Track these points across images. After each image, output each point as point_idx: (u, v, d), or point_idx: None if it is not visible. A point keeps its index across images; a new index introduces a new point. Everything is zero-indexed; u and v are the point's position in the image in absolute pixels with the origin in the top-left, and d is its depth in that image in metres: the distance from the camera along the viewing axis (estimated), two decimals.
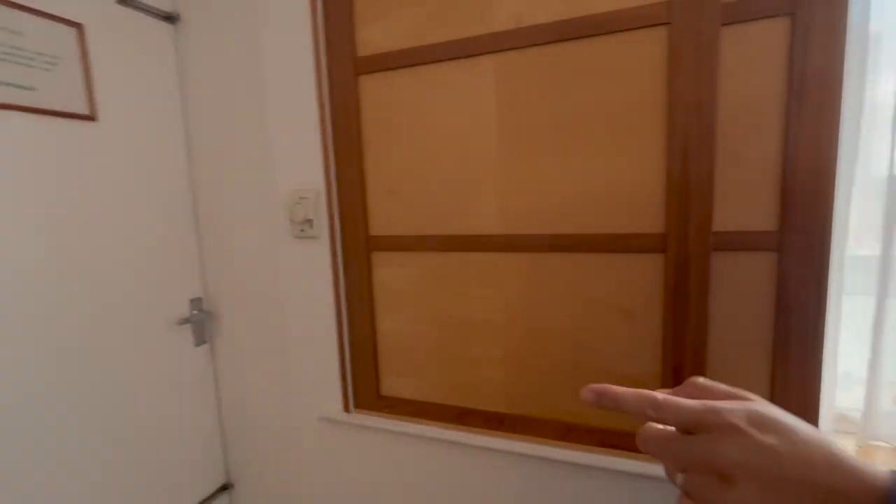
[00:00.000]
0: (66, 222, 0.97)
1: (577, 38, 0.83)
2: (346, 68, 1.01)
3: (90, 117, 1.00)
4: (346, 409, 1.13)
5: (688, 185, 0.78)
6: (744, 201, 0.76)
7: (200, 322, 1.27)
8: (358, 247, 1.07)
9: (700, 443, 0.27)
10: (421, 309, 1.03)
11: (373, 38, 0.99)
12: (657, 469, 0.84)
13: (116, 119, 1.06)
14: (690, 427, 0.28)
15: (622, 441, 0.89)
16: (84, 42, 0.98)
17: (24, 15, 0.88)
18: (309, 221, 1.07)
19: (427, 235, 1.00)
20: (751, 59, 0.73)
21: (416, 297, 1.03)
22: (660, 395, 0.30)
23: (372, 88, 1.00)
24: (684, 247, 0.80)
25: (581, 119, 0.85)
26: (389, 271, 1.05)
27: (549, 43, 0.85)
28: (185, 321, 1.23)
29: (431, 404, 1.06)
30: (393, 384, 1.10)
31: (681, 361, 0.82)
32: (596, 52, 0.82)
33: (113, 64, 1.04)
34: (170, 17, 1.18)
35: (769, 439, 0.26)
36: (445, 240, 0.98)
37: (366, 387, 1.12)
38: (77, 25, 0.97)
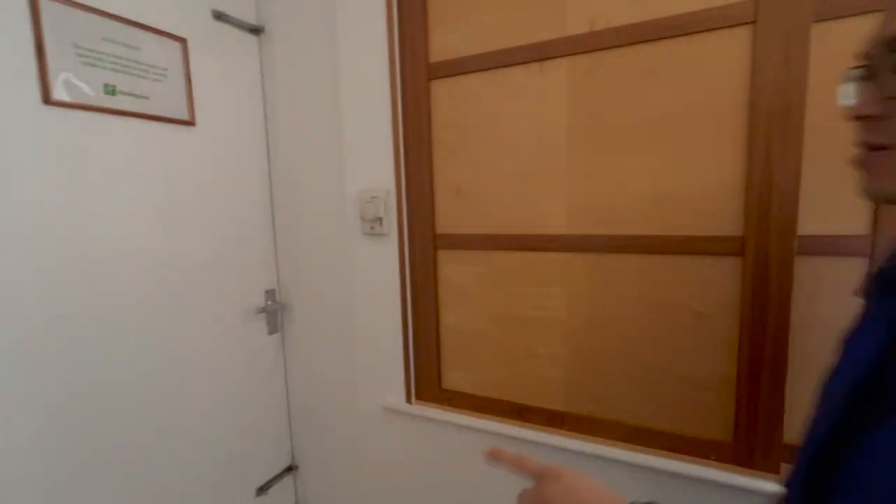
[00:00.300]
0: (167, 217, 1.08)
1: (652, 40, 0.83)
2: (418, 74, 1.06)
3: (190, 122, 1.11)
4: (409, 400, 1.18)
5: (770, 188, 0.76)
6: (832, 204, 0.74)
7: (274, 312, 1.37)
8: (425, 244, 1.11)
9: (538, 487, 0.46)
10: (484, 306, 1.06)
11: (445, 44, 1.03)
12: (728, 476, 0.82)
13: (209, 124, 1.16)
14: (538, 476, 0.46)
15: (690, 446, 0.88)
16: (187, 55, 1.09)
17: (141, 32, 1.00)
18: (379, 219, 1.13)
19: (493, 234, 1.02)
20: (844, 56, 0.71)
21: (480, 294, 1.06)
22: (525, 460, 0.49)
23: (443, 92, 1.05)
24: (764, 250, 0.78)
25: (655, 120, 0.85)
26: (454, 268, 1.09)
27: (623, 46, 0.85)
28: (261, 311, 1.32)
29: (492, 399, 1.08)
30: (454, 378, 1.14)
31: (758, 366, 0.80)
32: (673, 53, 0.82)
33: (208, 74, 1.15)
34: (255, 30, 1.28)
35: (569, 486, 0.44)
36: (511, 239, 1.00)
37: (428, 379, 1.16)
38: (182, 40, 1.08)
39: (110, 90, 0.95)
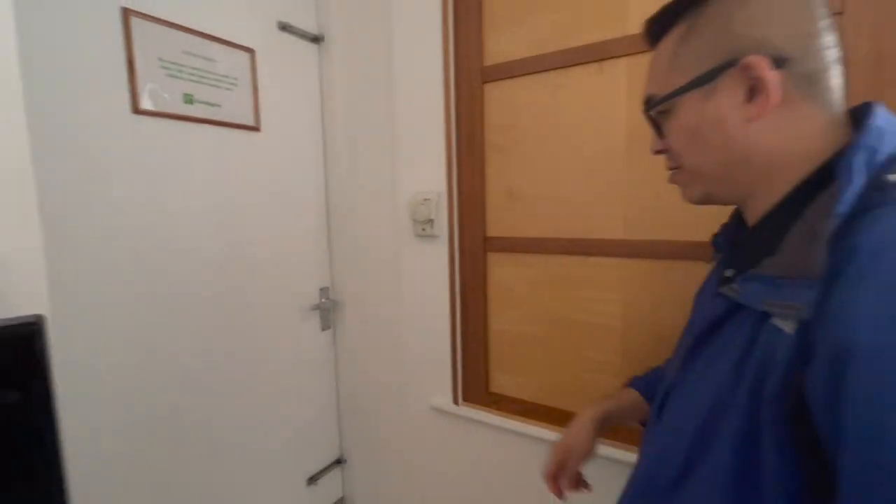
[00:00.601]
0: (234, 216, 1.15)
1: None
2: (472, 78, 1.07)
3: (255, 128, 1.18)
4: (456, 401, 1.18)
5: None
6: None
7: (327, 309, 1.42)
8: (476, 247, 1.12)
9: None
10: (535, 310, 1.05)
11: (500, 47, 1.03)
12: None
13: (272, 128, 1.23)
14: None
15: None
16: (254, 64, 1.16)
17: (216, 45, 1.07)
18: (430, 221, 1.14)
19: (546, 238, 1.01)
20: None
21: (531, 298, 1.05)
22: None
23: (497, 95, 1.05)
24: None
25: None
26: (505, 271, 1.09)
27: None
28: (315, 307, 1.38)
29: (541, 405, 1.07)
30: (502, 381, 1.13)
31: None
32: None
33: (272, 81, 1.22)
34: (316, 39, 1.34)
35: None
36: (565, 243, 0.99)
37: (476, 381, 1.16)
38: (250, 51, 1.15)
39: (188, 99, 1.03)
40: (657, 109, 0.49)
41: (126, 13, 0.91)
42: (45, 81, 0.81)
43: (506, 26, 1.02)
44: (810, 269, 0.35)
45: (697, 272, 0.85)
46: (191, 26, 1.02)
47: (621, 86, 0.89)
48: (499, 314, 1.11)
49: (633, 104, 0.89)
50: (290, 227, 1.30)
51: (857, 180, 0.35)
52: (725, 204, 0.50)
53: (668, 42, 0.48)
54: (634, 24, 0.87)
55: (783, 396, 0.35)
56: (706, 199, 0.50)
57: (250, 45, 1.15)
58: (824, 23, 0.41)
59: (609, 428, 0.69)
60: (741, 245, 0.50)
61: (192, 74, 1.03)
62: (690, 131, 0.46)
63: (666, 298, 0.89)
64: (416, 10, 1.11)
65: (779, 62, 0.40)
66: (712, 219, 0.83)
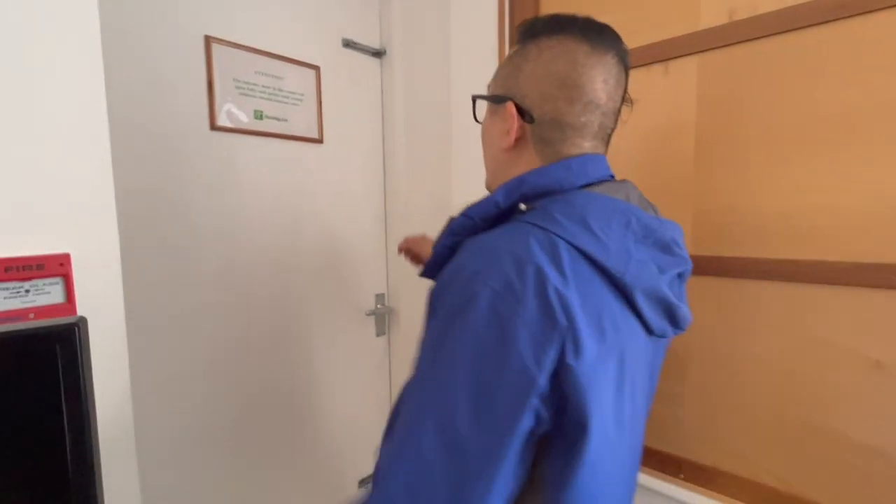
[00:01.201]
0: (298, 224, 1.21)
1: (816, 24, 0.69)
2: None
3: (319, 140, 1.24)
4: None
5: None
6: None
7: (382, 315, 1.45)
8: None
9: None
10: None
11: None
12: None
13: (335, 140, 1.28)
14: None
15: None
16: (319, 80, 1.23)
17: (285, 64, 1.15)
18: None
19: None
20: None
21: None
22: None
23: None
24: None
25: (817, 122, 0.70)
26: None
27: (773, 35, 0.72)
28: (371, 313, 1.41)
29: None
30: None
31: None
32: (844, 38, 0.67)
33: (335, 95, 1.28)
34: (378, 53, 1.38)
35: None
36: None
37: None
38: (316, 68, 1.22)
39: (258, 115, 1.11)
40: (478, 98, 0.61)
41: (208, 40, 1.01)
42: (132, 100, 0.91)
43: None
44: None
45: (784, 294, 0.74)
46: (263, 48, 1.10)
47: (690, 86, 0.81)
48: None
49: (704, 105, 0.80)
50: (350, 234, 1.35)
51: (496, 196, 0.49)
52: None
53: (511, 51, 0.56)
54: (708, 17, 0.79)
55: None
56: (489, 189, 0.59)
57: (316, 63, 1.22)
58: (577, 108, 0.49)
59: None
60: None
61: (262, 92, 1.11)
62: (483, 133, 0.60)
63: (739, 323, 0.79)
64: (473, 24, 1.11)
65: (528, 118, 0.51)
66: (797, 236, 0.72)
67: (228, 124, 1.06)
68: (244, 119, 1.08)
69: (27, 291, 0.54)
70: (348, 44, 1.29)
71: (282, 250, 1.18)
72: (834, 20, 0.67)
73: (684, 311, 0.50)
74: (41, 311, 0.55)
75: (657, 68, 0.85)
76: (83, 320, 0.53)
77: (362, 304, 1.40)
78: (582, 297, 0.40)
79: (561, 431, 0.40)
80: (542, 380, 0.38)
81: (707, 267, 0.81)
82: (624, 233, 0.45)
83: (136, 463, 0.65)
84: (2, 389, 0.49)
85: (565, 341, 0.38)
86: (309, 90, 1.21)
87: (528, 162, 0.52)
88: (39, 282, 0.55)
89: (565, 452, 0.41)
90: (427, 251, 0.91)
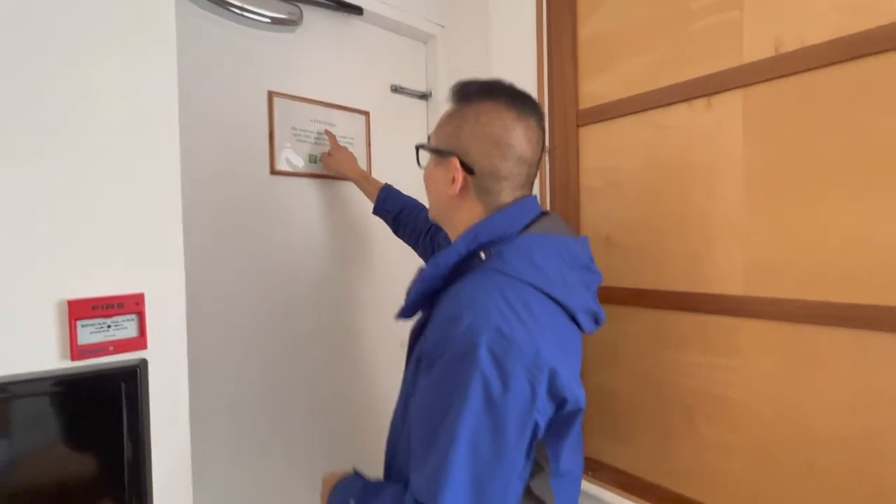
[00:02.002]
0: (347, 260, 1.28)
1: (870, 54, 0.65)
2: (567, 122, 1.05)
3: None
4: None
5: None
6: None
7: None
8: None
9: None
10: (636, 369, 0.94)
11: (596, 89, 1.00)
12: None
13: (383, 179, 1.34)
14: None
15: None
16: (369, 124, 1.31)
17: (338, 111, 1.25)
18: None
19: (648, 290, 0.91)
20: None
21: (632, 355, 0.95)
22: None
23: (593, 138, 1.01)
24: None
25: (872, 156, 0.65)
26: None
27: (823, 67, 0.69)
28: None
29: (643, 481, 0.94)
30: (599, 446, 1.02)
31: None
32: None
33: (383, 137, 1.35)
34: (424, 96, 1.46)
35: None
36: (671, 296, 0.88)
37: None
38: (365, 113, 1.31)
39: (313, 159, 1.20)
40: (421, 148, 0.72)
41: (270, 95, 1.12)
42: (202, 150, 1.02)
43: (603, 68, 0.98)
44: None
45: (850, 342, 0.68)
46: (318, 98, 1.21)
47: (735, 121, 0.78)
48: (595, 370, 1.02)
49: (751, 141, 0.77)
50: (396, 268, 1.40)
51: (458, 247, 0.60)
52: (445, 230, 0.74)
53: (449, 110, 0.68)
54: (752, 50, 0.76)
55: None
56: (436, 221, 0.73)
57: (366, 109, 1.31)
58: (509, 164, 0.62)
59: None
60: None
61: (317, 138, 1.21)
62: (426, 177, 0.70)
63: (800, 371, 0.72)
64: (513, 64, 1.15)
65: (469, 170, 0.62)
66: (870, 274, 0.66)
67: (286, 168, 1.15)
68: (299, 163, 1.18)
69: (109, 327, 0.61)
70: (396, 89, 1.38)
71: (332, 283, 1.25)
72: (892, 49, 0.63)
73: (603, 315, 0.66)
74: (118, 345, 0.62)
75: (699, 103, 0.83)
76: (144, 362, 0.60)
77: (404, 335, 1.43)
78: (550, 323, 0.56)
79: (559, 417, 0.54)
80: (542, 394, 0.51)
81: (764, 310, 0.76)
82: (560, 263, 0.60)
83: (190, 493, 0.71)
84: (74, 420, 0.56)
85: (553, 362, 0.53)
86: (359, 134, 1.30)
87: (470, 206, 0.64)
88: (119, 318, 0.62)
89: (561, 430, 0.55)
90: (346, 166, 1.15)
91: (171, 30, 0.70)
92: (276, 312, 1.14)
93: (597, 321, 0.66)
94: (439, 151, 0.66)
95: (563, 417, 0.54)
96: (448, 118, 0.66)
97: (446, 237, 0.95)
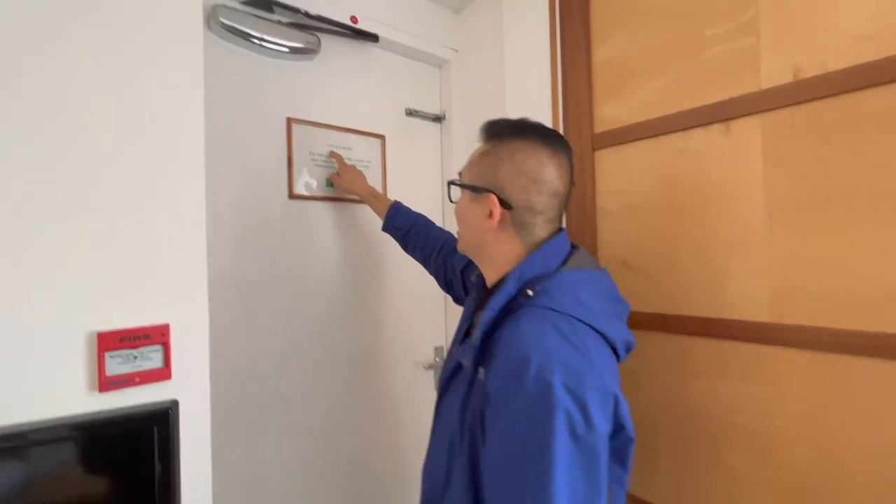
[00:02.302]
0: (364, 279, 1.29)
1: (886, 83, 0.64)
2: (583, 146, 1.05)
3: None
4: None
5: None
6: None
7: (440, 368, 1.46)
8: None
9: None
10: (658, 396, 0.93)
11: (611, 113, 1.00)
12: None
13: (398, 199, 1.36)
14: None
15: None
16: (384, 147, 1.33)
17: (355, 136, 1.27)
18: None
19: (669, 315, 0.90)
20: None
21: (653, 382, 0.93)
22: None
23: (608, 161, 1.01)
24: None
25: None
26: None
27: (846, 92, 0.68)
28: (430, 367, 1.43)
29: None
30: None
31: None
32: None
33: (398, 159, 1.37)
34: (438, 118, 1.48)
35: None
36: (693, 322, 0.86)
37: None
38: (381, 137, 1.33)
39: (329, 183, 1.22)
40: (452, 184, 0.76)
41: (289, 121, 1.15)
42: (223, 174, 1.05)
43: (616, 92, 0.99)
44: (475, 341, 0.62)
45: (878, 373, 0.66)
46: (335, 123, 1.23)
47: (754, 146, 0.78)
48: None
49: (771, 166, 0.76)
50: (411, 288, 1.40)
51: (508, 288, 0.63)
52: (475, 262, 0.76)
53: (482, 148, 0.71)
54: (770, 76, 0.76)
55: (481, 423, 0.59)
56: (466, 253, 0.76)
57: (382, 132, 1.33)
58: (544, 198, 0.66)
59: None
60: (480, 306, 0.73)
61: (334, 162, 1.23)
62: (460, 212, 0.74)
63: (833, 403, 0.70)
64: (527, 87, 1.16)
65: (506, 205, 0.66)
66: (888, 305, 0.64)
67: (304, 192, 1.17)
68: (316, 187, 1.20)
69: (135, 358, 0.63)
70: (411, 112, 1.40)
71: (349, 305, 1.26)
72: None
73: (635, 343, 0.69)
74: (144, 376, 0.63)
75: (717, 128, 0.83)
76: (175, 403, 0.61)
77: (421, 357, 1.43)
78: (599, 354, 0.59)
79: (617, 444, 0.58)
80: (611, 421, 0.55)
81: (791, 337, 0.74)
82: (598, 297, 0.65)
83: None
84: (110, 460, 0.57)
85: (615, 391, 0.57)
86: (375, 157, 1.32)
87: (507, 239, 0.68)
88: (145, 349, 0.63)
89: (622, 458, 0.59)
90: (356, 184, 1.18)
91: (198, 68, 0.72)
92: (290, 337, 1.15)
93: (628, 350, 0.68)
94: (476, 188, 0.69)
95: (619, 444, 0.57)
96: (482, 156, 0.70)
97: (462, 260, 0.96)
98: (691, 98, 0.86)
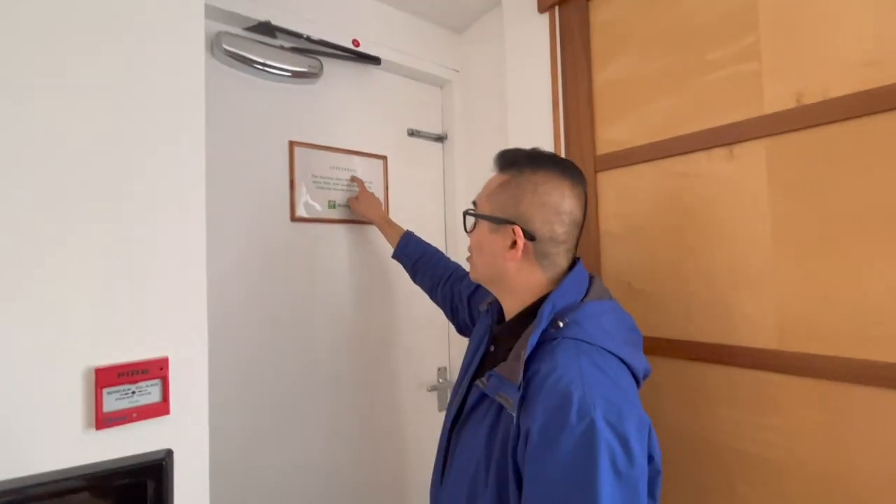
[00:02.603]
0: (367, 300, 1.28)
1: (890, 109, 0.64)
2: (585, 167, 1.04)
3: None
4: None
5: None
6: None
7: (444, 389, 1.44)
8: None
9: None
10: (666, 422, 0.90)
11: (613, 135, 1.00)
12: None
13: (401, 220, 1.36)
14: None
15: None
16: (386, 167, 1.34)
17: (357, 157, 1.27)
18: None
19: (675, 340, 0.88)
20: None
21: (662, 408, 0.91)
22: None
23: (611, 184, 1.00)
24: None
25: None
26: None
27: (846, 119, 0.68)
28: (433, 388, 1.41)
29: None
30: None
31: None
32: None
33: (400, 179, 1.37)
34: (440, 138, 1.48)
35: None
36: (701, 347, 0.85)
37: None
38: (383, 157, 1.33)
39: (332, 205, 1.22)
40: (470, 214, 0.74)
41: (291, 144, 1.15)
42: (225, 199, 1.05)
43: (618, 115, 0.99)
44: (516, 377, 0.58)
45: (883, 403, 0.64)
46: (338, 146, 1.23)
47: (759, 170, 0.77)
48: None
49: (778, 191, 0.75)
50: (414, 309, 1.39)
51: (544, 322, 0.61)
52: (492, 292, 0.76)
53: (498, 178, 0.71)
54: (773, 102, 0.76)
55: (513, 458, 0.57)
56: (481, 282, 0.76)
57: (384, 153, 1.33)
58: (566, 228, 0.68)
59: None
60: (499, 336, 0.74)
61: (336, 184, 1.23)
62: (478, 242, 0.72)
63: (846, 434, 0.68)
64: (528, 108, 1.16)
65: (530, 237, 0.66)
66: None
67: (306, 215, 1.17)
68: (319, 209, 1.20)
69: (133, 393, 0.62)
70: (412, 132, 1.40)
71: (352, 325, 1.25)
72: None
73: (650, 370, 0.69)
74: (142, 411, 0.62)
75: (719, 152, 0.82)
76: (169, 453, 0.59)
77: (425, 377, 1.41)
78: (628, 385, 0.60)
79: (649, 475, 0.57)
80: (647, 451, 0.55)
81: (801, 366, 0.73)
82: (619, 327, 0.66)
83: None
84: None
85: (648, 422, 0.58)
86: (377, 177, 1.32)
87: (529, 269, 0.68)
88: (143, 384, 0.63)
89: (653, 489, 0.58)
90: (373, 210, 1.20)
91: (200, 95, 0.73)
92: (293, 357, 1.14)
93: (646, 377, 0.69)
94: (498, 219, 0.69)
95: (650, 476, 0.57)
96: (501, 187, 0.70)
97: (469, 287, 0.95)
98: (694, 122, 0.86)
